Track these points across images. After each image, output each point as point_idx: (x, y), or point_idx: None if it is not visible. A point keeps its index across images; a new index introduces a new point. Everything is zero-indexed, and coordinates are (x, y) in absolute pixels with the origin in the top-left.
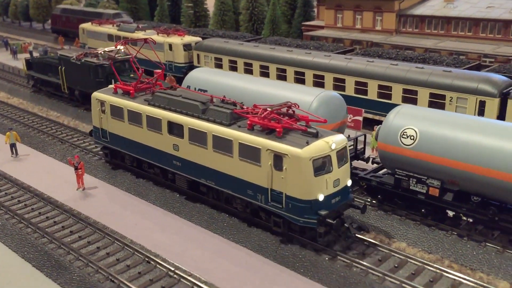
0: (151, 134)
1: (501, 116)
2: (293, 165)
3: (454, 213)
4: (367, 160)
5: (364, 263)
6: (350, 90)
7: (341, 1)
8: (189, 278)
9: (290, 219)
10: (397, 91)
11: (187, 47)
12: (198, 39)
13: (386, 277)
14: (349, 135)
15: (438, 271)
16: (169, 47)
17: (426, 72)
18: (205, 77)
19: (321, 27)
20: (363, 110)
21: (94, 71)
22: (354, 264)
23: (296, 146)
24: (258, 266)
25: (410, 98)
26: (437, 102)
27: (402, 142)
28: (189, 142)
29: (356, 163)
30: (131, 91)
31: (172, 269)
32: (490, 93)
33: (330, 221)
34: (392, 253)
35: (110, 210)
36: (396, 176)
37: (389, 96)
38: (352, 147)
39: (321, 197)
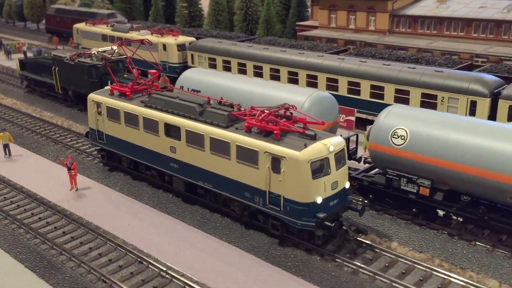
0: (148, 136)
1: (492, 116)
2: (291, 167)
3: (444, 212)
4: (359, 160)
5: (355, 263)
6: (343, 90)
7: (334, 1)
8: (181, 278)
9: (288, 222)
10: (389, 91)
11: (181, 47)
12: (192, 39)
13: (377, 276)
14: (341, 135)
15: (428, 270)
16: (163, 47)
17: (418, 72)
18: (198, 77)
19: (315, 27)
20: (356, 110)
21: (88, 71)
22: (345, 263)
23: (294, 149)
24: (250, 266)
25: (402, 98)
26: (429, 102)
27: (393, 142)
28: (186, 144)
29: (348, 163)
30: (127, 93)
31: (164, 269)
32: (481, 93)
33: (328, 224)
34: (383, 252)
35: (103, 211)
36: (387, 176)
37: (381, 96)
38: None
39: (319, 200)
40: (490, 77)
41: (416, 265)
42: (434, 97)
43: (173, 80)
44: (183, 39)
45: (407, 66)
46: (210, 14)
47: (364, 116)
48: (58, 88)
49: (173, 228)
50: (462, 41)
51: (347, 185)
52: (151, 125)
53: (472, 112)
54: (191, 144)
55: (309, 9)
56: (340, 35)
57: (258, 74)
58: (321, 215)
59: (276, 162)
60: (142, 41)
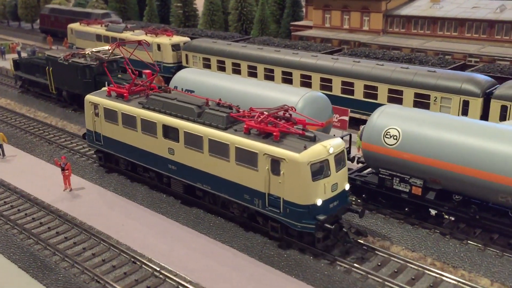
0: (146, 137)
1: (484, 115)
2: (291, 169)
3: (436, 211)
4: (352, 160)
5: (348, 262)
6: (336, 90)
7: (329, 1)
8: (174, 278)
9: (287, 224)
10: (382, 91)
11: (175, 47)
12: (187, 39)
13: (369, 275)
14: (334, 135)
15: (420, 269)
16: (158, 47)
17: (411, 72)
18: (192, 77)
19: (310, 27)
20: (349, 110)
21: (82, 71)
22: (337, 262)
23: (293, 151)
24: (244, 265)
25: (395, 98)
26: (422, 102)
27: (385, 142)
28: (185, 146)
29: None
30: (125, 94)
31: (158, 269)
32: (474, 93)
33: (329, 226)
34: (376, 252)
35: (97, 211)
36: (380, 175)
37: (375, 96)
38: None
39: (319, 202)
40: (482, 77)
41: (408, 264)
42: (427, 97)
43: (167, 80)
44: (177, 39)
45: (400, 66)
46: (204, 14)
47: (357, 116)
48: (52, 88)
49: (167, 228)
50: (455, 41)
51: (347, 187)
52: (149, 127)
53: (465, 112)
54: (190, 146)
55: (304, 9)
56: (334, 35)
57: (253, 74)
58: (321, 217)
59: (275, 164)
60: (139, 42)
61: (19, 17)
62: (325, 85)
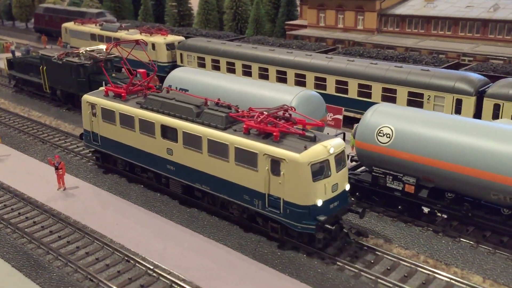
0: (144, 138)
1: (477, 114)
2: (291, 170)
3: (429, 209)
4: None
5: (341, 260)
6: (331, 89)
7: (323, 0)
8: (168, 276)
9: (288, 225)
10: (376, 90)
11: (170, 46)
12: (181, 38)
13: (362, 273)
14: (328, 133)
15: (413, 266)
16: (152, 47)
17: (405, 71)
18: (186, 76)
19: (304, 26)
20: (343, 108)
21: (76, 70)
22: (331, 260)
23: (294, 151)
24: (237, 263)
25: (389, 96)
26: (415, 101)
27: (378, 140)
28: (183, 146)
29: None
30: (122, 94)
31: (151, 267)
32: (467, 91)
33: (329, 226)
34: (369, 249)
35: (91, 210)
36: (373, 173)
37: (369, 95)
38: None
39: (319, 203)
40: (475, 76)
41: (401, 262)
42: (421, 95)
43: (161, 79)
44: (172, 38)
45: (394, 65)
46: (199, 13)
47: (352, 114)
48: (46, 87)
49: (161, 226)
50: (449, 40)
51: (347, 187)
52: (147, 127)
53: (458, 110)
54: (189, 146)
55: (298, 8)
56: (329, 34)
57: (247, 73)
58: (322, 218)
59: (275, 164)
60: (137, 42)
61: (14, 16)
62: (319, 84)
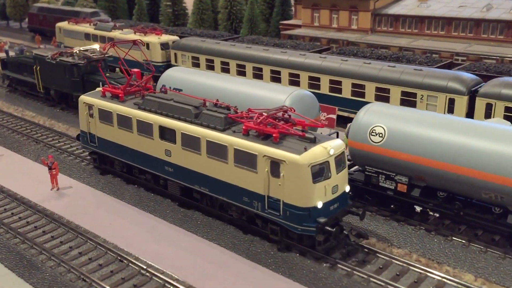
0: (142, 139)
1: (470, 113)
2: (291, 171)
3: (421, 208)
4: None
5: (334, 258)
6: (324, 89)
7: (317, 0)
8: (161, 276)
9: (288, 227)
10: (370, 90)
11: (164, 46)
12: (176, 38)
13: (355, 272)
14: (321, 133)
15: (405, 265)
16: (146, 46)
17: (398, 71)
18: (180, 76)
19: (299, 26)
20: (337, 108)
21: (69, 70)
22: (323, 259)
23: (293, 152)
24: (231, 263)
25: (382, 96)
26: (408, 100)
27: (371, 140)
28: (182, 148)
29: None
30: (120, 95)
31: (145, 267)
32: (459, 91)
33: (329, 228)
34: (362, 248)
35: (84, 210)
36: (366, 173)
37: (362, 95)
38: None
39: (319, 204)
40: (468, 75)
41: (393, 261)
42: (414, 95)
43: (156, 79)
44: (166, 38)
45: (388, 64)
46: (194, 13)
47: (345, 114)
48: (40, 87)
49: (154, 226)
50: (442, 40)
51: (347, 188)
52: (145, 128)
53: (451, 109)
54: (187, 148)
55: (293, 8)
56: (323, 33)
57: (241, 73)
58: (322, 219)
59: (275, 166)
60: (134, 42)
61: (8, 16)
62: (313, 83)
